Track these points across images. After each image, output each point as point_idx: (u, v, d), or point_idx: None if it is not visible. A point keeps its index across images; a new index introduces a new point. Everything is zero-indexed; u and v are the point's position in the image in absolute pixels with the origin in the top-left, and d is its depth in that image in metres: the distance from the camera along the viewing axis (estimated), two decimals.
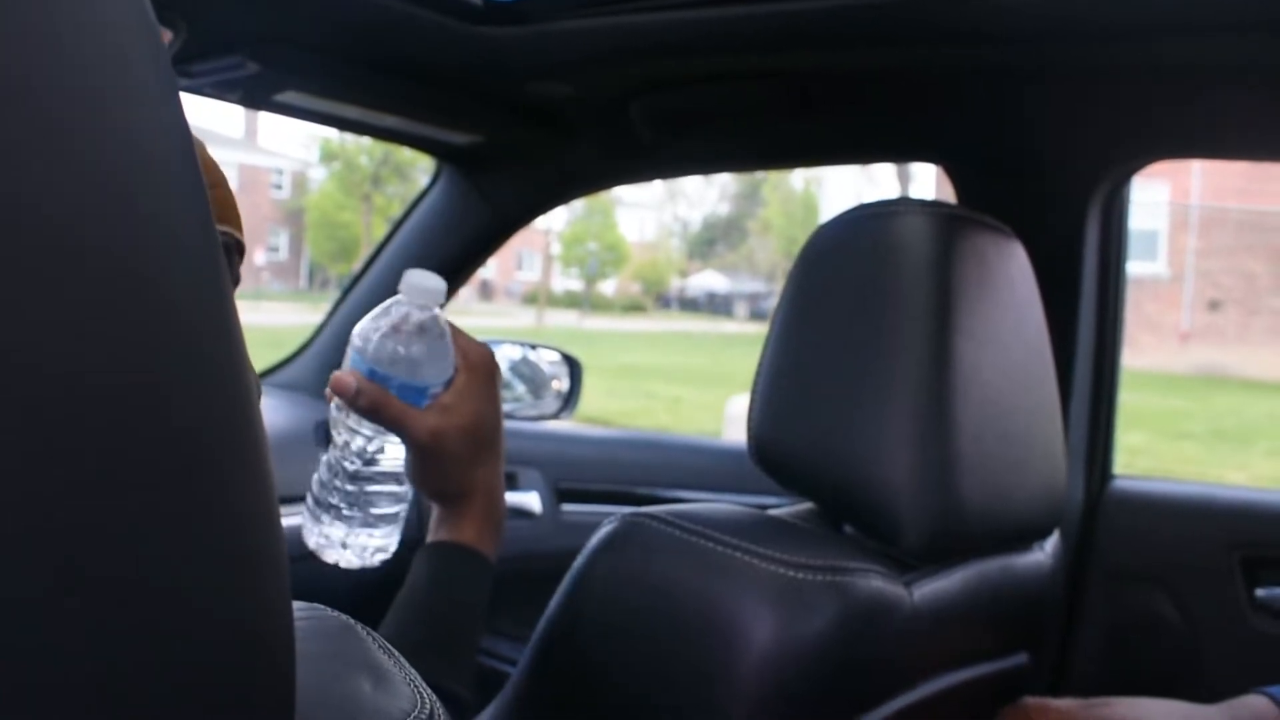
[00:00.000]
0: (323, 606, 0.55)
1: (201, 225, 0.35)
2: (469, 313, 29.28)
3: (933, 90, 1.46)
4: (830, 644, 0.94)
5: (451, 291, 2.12)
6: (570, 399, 2.47)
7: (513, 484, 2.12)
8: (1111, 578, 1.58)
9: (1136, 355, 17.73)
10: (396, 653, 0.53)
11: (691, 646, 0.93)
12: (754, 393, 1.10)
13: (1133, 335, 18.22)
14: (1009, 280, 1.12)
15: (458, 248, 2.03)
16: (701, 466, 2.06)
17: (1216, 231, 18.32)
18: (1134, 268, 17.74)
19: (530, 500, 2.11)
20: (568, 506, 2.12)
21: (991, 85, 1.41)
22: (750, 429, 1.10)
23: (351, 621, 0.54)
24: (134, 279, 0.32)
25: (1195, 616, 1.52)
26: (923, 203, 1.05)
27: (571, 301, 36.25)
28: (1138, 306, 18.59)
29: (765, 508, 1.10)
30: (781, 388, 1.08)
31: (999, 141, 1.60)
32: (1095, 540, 1.60)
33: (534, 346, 2.58)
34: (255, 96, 1.53)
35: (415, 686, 0.51)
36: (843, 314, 1.04)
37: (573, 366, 2.49)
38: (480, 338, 2.54)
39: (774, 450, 1.08)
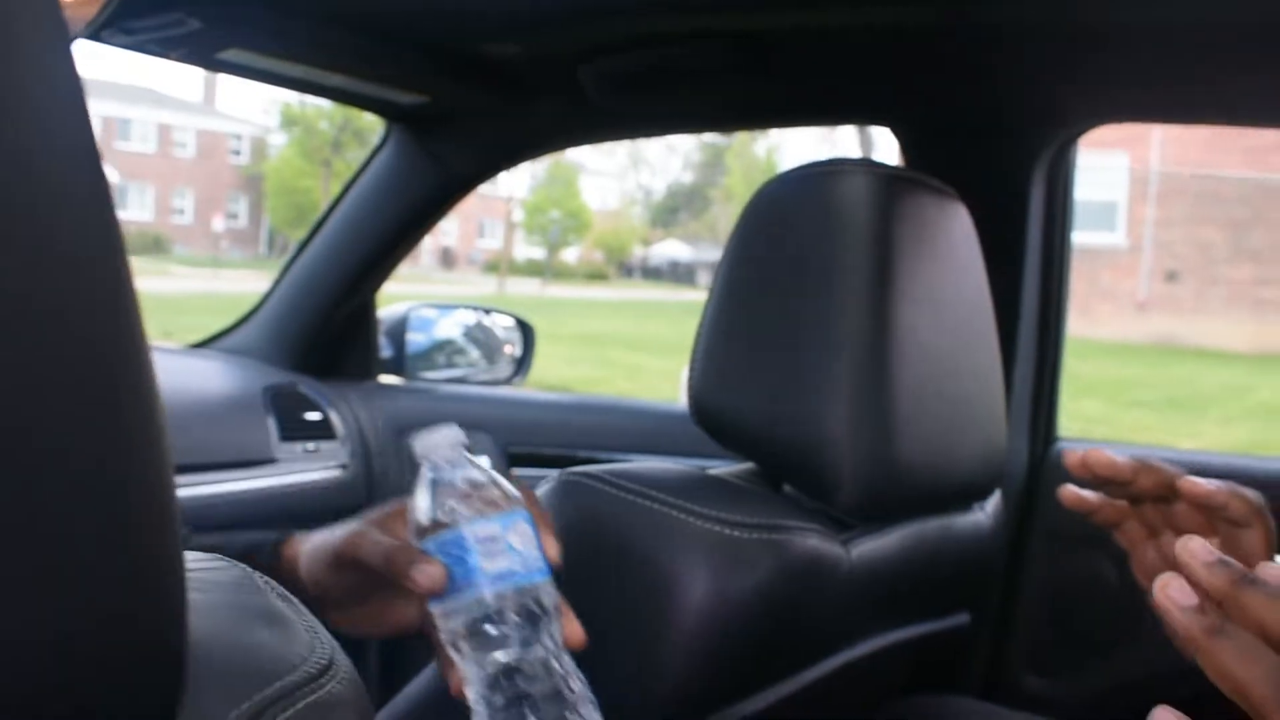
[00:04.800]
0: (222, 557, 0.54)
1: (90, 177, 0.34)
2: (430, 280, 29.16)
3: (880, 52, 1.46)
4: (767, 601, 0.95)
5: (403, 255, 2.11)
6: (523, 363, 2.47)
7: None
8: (1053, 539, 1.60)
9: (1094, 325, 17.87)
10: (297, 601, 0.53)
11: (629, 604, 0.94)
12: (694, 353, 1.10)
13: (1090, 305, 18.38)
14: (950, 241, 1.12)
15: (407, 210, 2.01)
16: (653, 430, 2.06)
17: (1175, 203, 18.45)
18: (1092, 238, 17.91)
19: (480, 464, 2.10)
20: (518, 470, 2.11)
21: (937, 47, 1.41)
22: (690, 390, 1.10)
23: (250, 571, 0.53)
24: (20, 223, 0.31)
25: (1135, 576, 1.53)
26: (864, 162, 1.05)
27: (533, 269, 36.15)
28: (1095, 276, 18.72)
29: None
30: (721, 348, 1.08)
31: (944, 104, 1.60)
32: (1038, 502, 1.61)
33: (488, 311, 2.57)
34: (198, 54, 1.50)
35: (315, 633, 0.50)
36: (782, 274, 1.04)
37: (525, 331, 2.49)
38: (437, 304, 2.53)
39: (713, 411, 1.08)
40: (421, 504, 0.80)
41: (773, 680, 1.03)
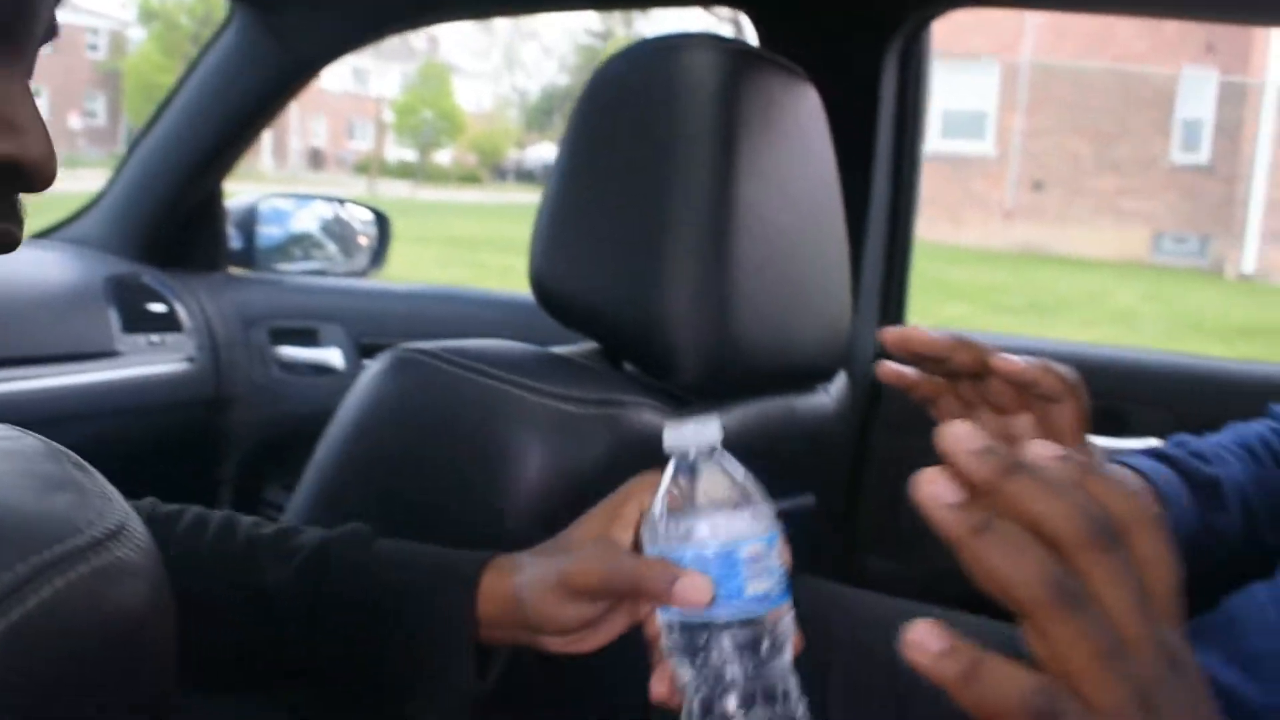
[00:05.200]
0: (15, 427, 0.52)
1: None
2: (299, 181, 28.44)
3: None
4: (603, 477, 0.94)
5: (249, 141, 2.04)
6: (378, 254, 2.42)
7: (313, 340, 2.07)
8: (898, 424, 1.62)
9: (962, 232, 18.22)
10: (96, 471, 0.51)
11: (464, 480, 0.92)
12: (536, 230, 1.07)
13: (959, 212, 18.72)
14: (798, 121, 1.11)
15: (253, 94, 1.93)
16: (505, 319, 2.03)
17: (1043, 113, 18.80)
18: (962, 146, 18.15)
19: (332, 356, 2.06)
20: (370, 362, 2.08)
21: None
22: (531, 269, 1.07)
23: (47, 441, 0.51)
24: None
25: None
26: (710, 37, 1.02)
27: (405, 172, 35.49)
28: (965, 184, 19.05)
29: None
30: (562, 226, 1.05)
31: None
32: (885, 389, 1.63)
33: (343, 203, 2.52)
34: None
35: (108, 499, 0.48)
36: (625, 148, 1.02)
37: (382, 223, 2.44)
38: (291, 194, 2.46)
39: (555, 289, 1.06)
40: (682, 509, 0.71)
41: None
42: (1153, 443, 1.42)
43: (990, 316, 10.59)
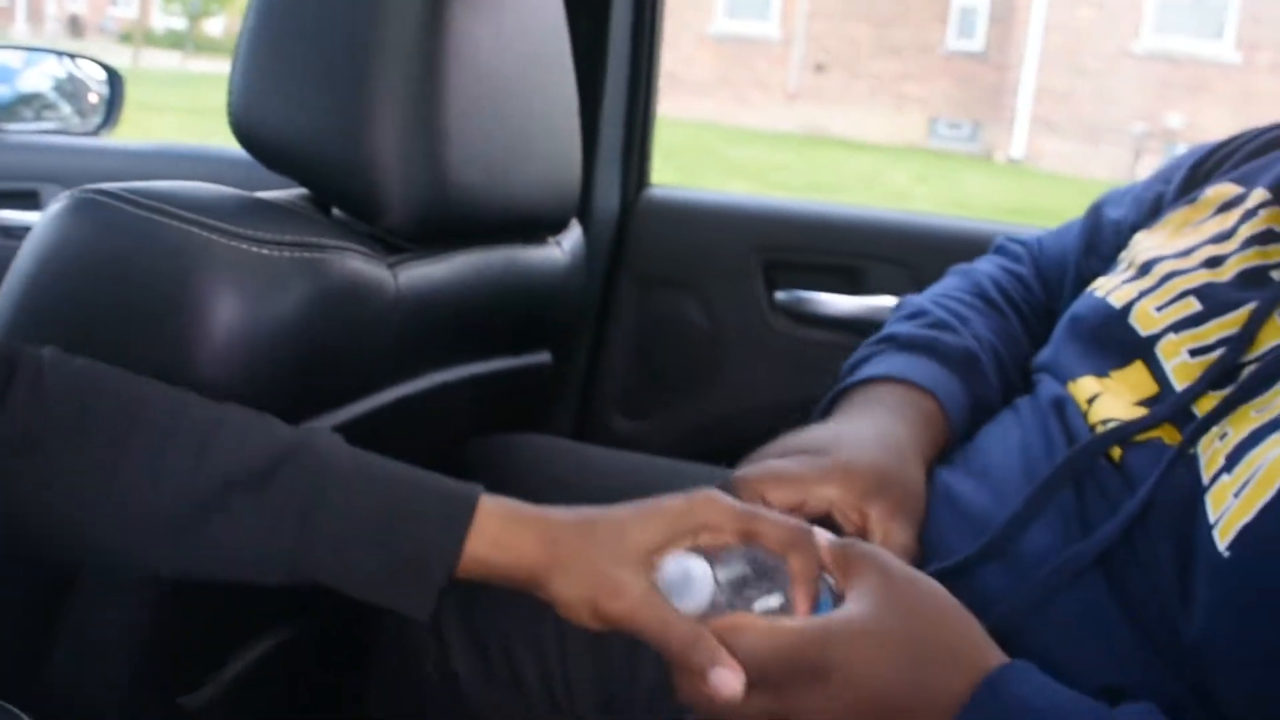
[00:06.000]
0: None
1: None
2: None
3: None
4: (303, 326, 0.90)
5: None
6: (110, 113, 2.28)
7: (34, 202, 1.93)
8: (642, 281, 1.61)
9: (746, 112, 18.37)
10: None
11: (152, 327, 0.87)
12: (234, 63, 1.00)
13: (743, 93, 18.86)
14: None
15: None
16: (248, 178, 1.94)
17: None
18: (747, 27, 18.21)
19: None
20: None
21: None
22: (230, 105, 1.00)
23: None
24: None
25: (719, 318, 1.58)
26: None
27: (174, 41, 33.56)
28: (750, 65, 19.16)
29: None
30: (263, 60, 0.99)
31: None
32: (627, 246, 1.62)
33: (76, 59, 2.36)
34: None
35: None
36: None
37: (114, 80, 2.29)
38: (17, 45, 2.30)
39: (257, 129, 1.00)
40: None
41: (325, 408, 0.98)
42: (889, 301, 1.46)
43: (769, 193, 10.77)
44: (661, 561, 0.70)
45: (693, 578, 0.69)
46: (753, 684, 0.66)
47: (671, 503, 0.72)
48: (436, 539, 0.72)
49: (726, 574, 0.70)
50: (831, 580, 0.71)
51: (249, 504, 0.73)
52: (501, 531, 0.72)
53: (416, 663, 1.00)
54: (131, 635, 0.93)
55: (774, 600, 0.70)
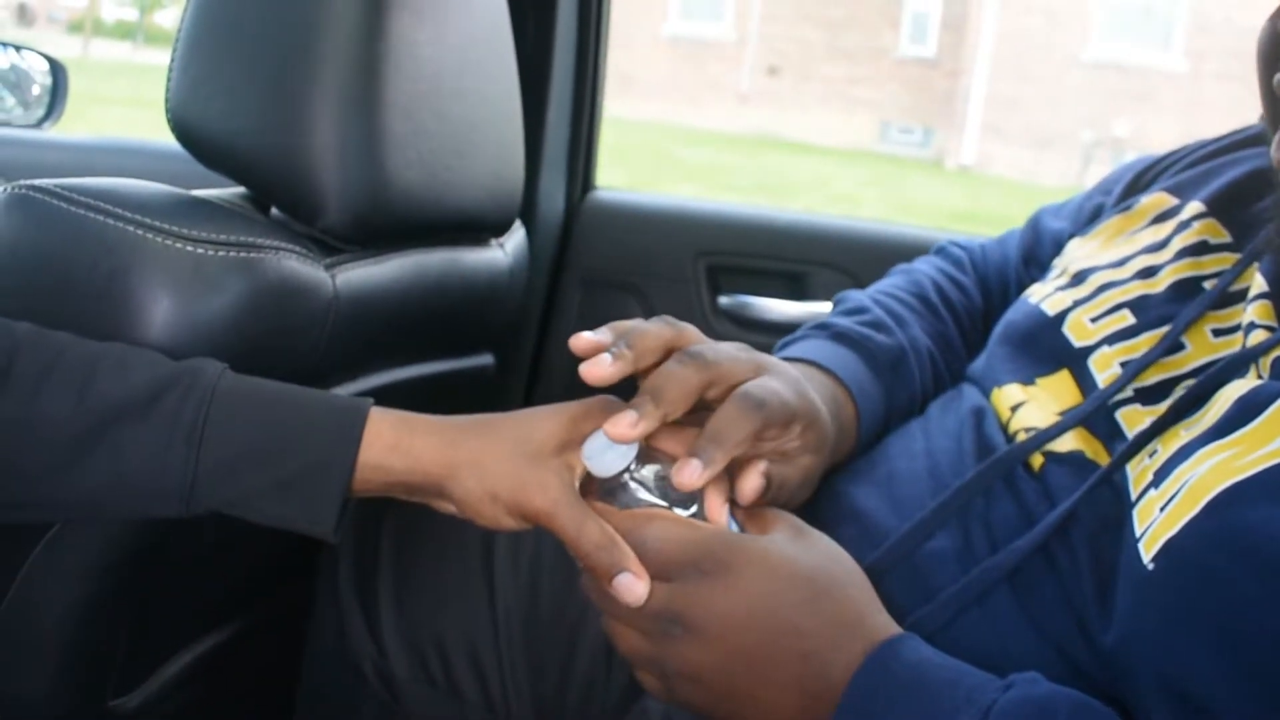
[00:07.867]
0: None
1: None
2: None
3: None
4: (237, 327, 0.89)
5: None
6: (54, 105, 2.24)
7: None
8: (586, 284, 1.61)
9: (700, 114, 18.42)
10: None
11: (85, 326, 0.85)
12: (173, 58, 0.99)
13: (695, 95, 18.91)
14: None
15: None
16: (189, 173, 1.92)
17: None
18: (701, 29, 18.24)
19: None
20: None
21: None
22: (168, 102, 0.99)
23: None
24: None
25: None
26: None
27: (124, 32, 33.22)
28: (702, 67, 19.22)
29: None
30: (201, 56, 0.98)
31: None
32: (572, 248, 1.62)
33: (19, 49, 2.32)
34: None
35: None
36: None
37: (56, 71, 2.26)
38: None
39: (195, 126, 0.99)
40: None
41: None
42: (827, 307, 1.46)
43: (718, 195, 10.80)
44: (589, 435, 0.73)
45: (615, 449, 0.71)
46: (655, 575, 0.68)
47: (569, 404, 0.75)
48: (329, 449, 0.73)
49: (649, 467, 0.73)
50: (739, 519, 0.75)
51: (134, 433, 0.73)
52: (397, 437, 0.74)
53: (354, 665, 1.00)
54: (61, 638, 0.92)
55: (689, 511, 0.73)
